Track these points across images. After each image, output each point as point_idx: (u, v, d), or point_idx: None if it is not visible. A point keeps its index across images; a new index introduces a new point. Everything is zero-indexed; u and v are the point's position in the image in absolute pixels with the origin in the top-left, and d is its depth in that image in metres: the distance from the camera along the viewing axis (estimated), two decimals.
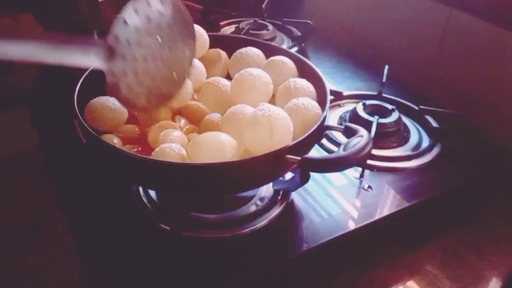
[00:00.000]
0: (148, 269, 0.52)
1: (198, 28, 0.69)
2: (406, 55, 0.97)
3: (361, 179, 0.68)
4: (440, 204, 0.67)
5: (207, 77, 0.68)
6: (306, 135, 0.52)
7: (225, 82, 0.66)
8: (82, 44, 0.48)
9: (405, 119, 0.82)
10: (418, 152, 0.73)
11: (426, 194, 0.66)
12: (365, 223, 0.60)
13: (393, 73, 0.88)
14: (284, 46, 0.89)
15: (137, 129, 0.61)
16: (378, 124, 0.74)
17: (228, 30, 1.15)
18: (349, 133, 0.54)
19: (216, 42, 0.73)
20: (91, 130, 0.51)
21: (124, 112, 0.60)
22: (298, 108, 0.58)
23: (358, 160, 0.48)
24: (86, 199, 0.63)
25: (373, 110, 0.79)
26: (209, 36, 0.71)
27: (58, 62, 0.47)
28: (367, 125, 0.71)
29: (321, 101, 0.61)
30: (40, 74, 0.98)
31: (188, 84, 0.62)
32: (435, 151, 0.74)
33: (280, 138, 0.52)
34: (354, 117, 0.79)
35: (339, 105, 0.87)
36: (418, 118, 0.83)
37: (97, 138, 0.51)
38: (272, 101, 0.65)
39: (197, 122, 0.62)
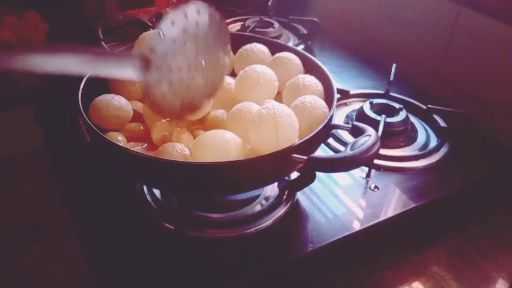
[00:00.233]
0: (152, 268, 0.52)
1: None
2: (414, 54, 0.96)
3: (368, 179, 0.67)
4: (447, 204, 0.66)
5: None
6: (313, 134, 0.51)
7: (230, 80, 0.65)
8: (119, 56, 0.49)
9: (413, 118, 0.81)
10: (425, 152, 0.73)
11: (433, 195, 0.65)
12: (371, 223, 0.59)
13: (401, 72, 0.87)
14: (290, 44, 0.89)
15: (142, 127, 0.60)
16: (385, 123, 0.73)
17: (233, 27, 1.14)
18: (357, 132, 0.53)
19: None
20: (95, 128, 0.51)
21: (129, 110, 0.60)
22: (305, 106, 0.57)
23: (365, 159, 0.47)
24: (90, 197, 0.63)
25: (380, 109, 0.78)
26: None
27: (95, 74, 0.47)
28: (374, 124, 0.70)
29: (328, 100, 0.60)
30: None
31: None
32: (443, 151, 0.74)
33: (286, 135, 0.52)
34: (361, 116, 0.78)
35: (345, 104, 0.86)
36: (426, 117, 0.82)
37: (101, 136, 0.51)
38: (277, 98, 0.64)
39: (201, 121, 0.62)
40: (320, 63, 0.66)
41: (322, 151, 0.72)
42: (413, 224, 0.63)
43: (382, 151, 0.72)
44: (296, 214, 0.61)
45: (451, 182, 0.68)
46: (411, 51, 0.97)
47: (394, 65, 0.87)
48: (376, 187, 0.66)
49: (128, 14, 1.00)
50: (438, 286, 0.56)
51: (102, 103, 0.58)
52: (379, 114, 0.76)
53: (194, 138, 0.57)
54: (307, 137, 0.51)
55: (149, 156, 0.50)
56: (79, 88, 0.57)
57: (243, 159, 0.50)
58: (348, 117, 0.81)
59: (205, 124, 0.61)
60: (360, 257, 0.59)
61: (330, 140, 0.74)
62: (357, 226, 0.59)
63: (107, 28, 0.78)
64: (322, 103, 0.58)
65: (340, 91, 0.84)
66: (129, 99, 0.61)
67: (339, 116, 0.81)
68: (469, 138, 0.77)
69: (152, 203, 0.60)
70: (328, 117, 0.54)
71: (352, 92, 0.87)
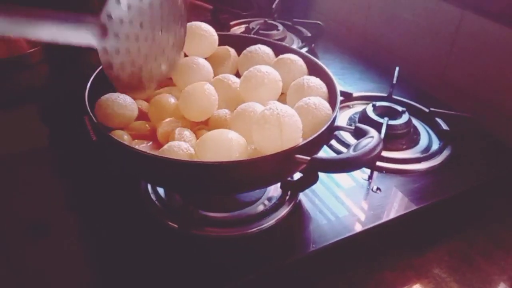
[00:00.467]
0: (156, 267, 0.52)
1: (207, 27, 0.69)
2: (417, 57, 0.97)
3: (370, 180, 0.68)
4: (449, 207, 0.66)
5: (216, 75, 0.68)
6: (316, 134, 0.52)
7: (235, 79, 0.65)
8: (74, 20, 0.48)
9: (415, 121, 0.81)
10: (427, 155, 0.73)
11: (435, 197, 0.65)
12: (372, 225, 0.60)
13: (404, 75, 0.88)
14: (294, 47, 0.89)
15: (147, 125, 0.61)
16: (388, 125, 0.74)
17: (238, 30, 1.15)
18: (359, 134, 0.54)
19: (225, 41, 0.73)
20: (100, 127, 0.52)
21: (134, 108, 0.60)
22: (309, 107, 0.57)
23: (368, 161, 0.48)
24: (94, 196, 0.63)
25: (383, 112, 0.79)
26: (218, 35, 0.71)
27: (50, 38, 0.46)
28: (376, 126, 0.70)
29: (331, 102, 0.61)
30: (51, 72, 0.98)
31: (214, 96, 0.60)
32: (445, 153, 0.74)
33: (290, 136, 0.52)
34: (363, 118, 0.78)
35: (348, 106, 0.86)
36: (428, 120, 0.82)
37: (107, 134, 0.51)
38: (281, 99, 0.64)
39: (205, 121, 0.62)
40: (323, 66, 0.66)
41: (324, 153, 0.72)
42: (414, 226, 0.63)
43: (385, 153, 0.72)
44: (299, 215, 0.61)
45: (453, 185, 0.68)
46: (414, 55, 0.97)
47: (397, 68, 0.87)
48: (378, 189, 0.66)
49: None
50: None
51: (107, 101, 0.58)
52: (382, 116, 0.77)
53: (197, 138, 0.57)
54: (310, 138, 0.51)
55: (153, 155, 0.51)
56: (85, 87, 0.57)
57: (246, 159, 0.51)
58: (351, 119, 0.82)
59: (209, 124, 0.62)
60: (361, 258, 0.59)
61: (333, 142, 0.74)
62: (358, 228, 0.59)
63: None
64: (326, 105, 0.59)
65: (343, 93, 0.84)
66: (134, 98, 0.62)
67: (342, 119, 0.82)
68: (471, 141, 0.77)
69: (156, 202, 0.60)
70: (332, 119, 0.55)
71: (355, 94, 0.87)
